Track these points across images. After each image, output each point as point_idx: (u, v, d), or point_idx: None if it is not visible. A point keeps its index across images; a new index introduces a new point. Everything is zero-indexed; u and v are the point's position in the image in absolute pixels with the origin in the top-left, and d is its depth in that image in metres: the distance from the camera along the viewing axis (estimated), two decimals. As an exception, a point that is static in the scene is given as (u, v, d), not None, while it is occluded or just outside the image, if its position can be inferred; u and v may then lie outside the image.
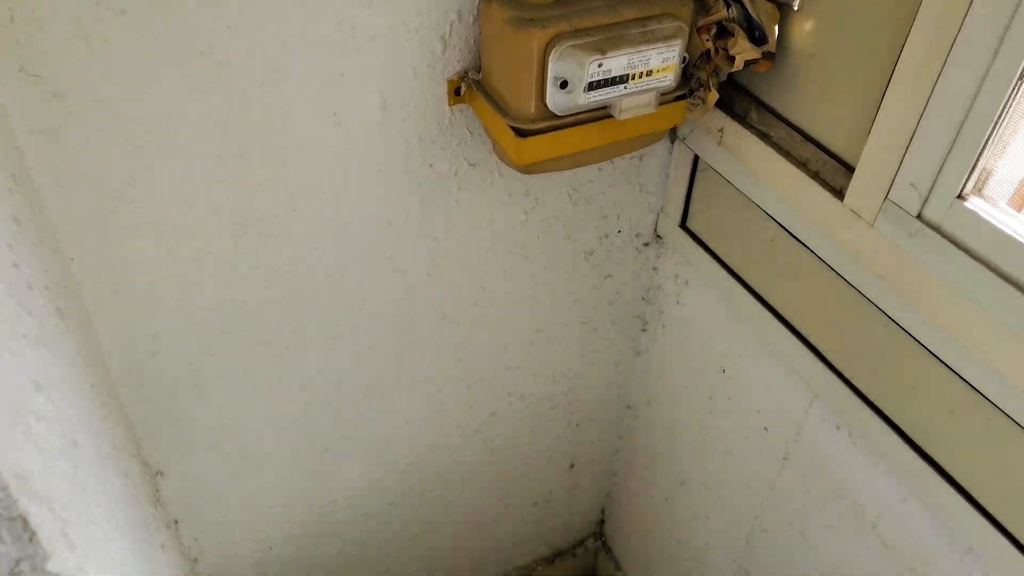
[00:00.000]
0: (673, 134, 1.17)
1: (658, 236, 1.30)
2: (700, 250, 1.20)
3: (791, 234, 1.00)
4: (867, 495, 1.04)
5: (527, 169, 0.93)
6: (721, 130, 1.05)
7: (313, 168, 0.94)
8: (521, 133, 0.87)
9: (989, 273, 0.75)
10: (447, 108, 0.98)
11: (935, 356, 0.85)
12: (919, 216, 0.81)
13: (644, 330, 1.45)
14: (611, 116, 0.89)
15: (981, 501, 0.87)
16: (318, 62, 0.86)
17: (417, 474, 1.45)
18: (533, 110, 0.86)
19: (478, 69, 0.94)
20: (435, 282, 1.15)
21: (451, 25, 0.91)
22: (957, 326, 0.80)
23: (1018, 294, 0.73)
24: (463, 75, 0.95)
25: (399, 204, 1.04)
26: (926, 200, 0.80)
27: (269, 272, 1.01)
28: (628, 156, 1.16)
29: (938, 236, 0.79)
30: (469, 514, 1.62)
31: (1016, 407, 0.78)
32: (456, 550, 1.69)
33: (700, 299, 1.27)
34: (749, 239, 1.10)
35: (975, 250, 0.77)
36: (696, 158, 1.15)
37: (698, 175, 1.17)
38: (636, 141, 0.97)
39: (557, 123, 0.88)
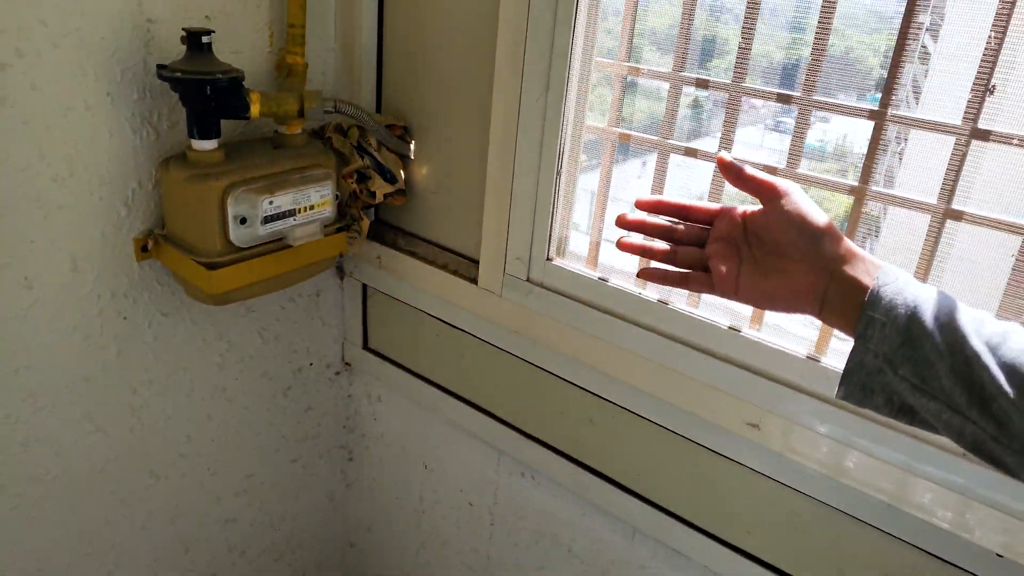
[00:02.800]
0: (342, 272, 1.40)
1: (346, 364, 1.48)
2: (385, 363, 1.41)
3: (449, 324, 1.26)
4: (557, 523, 1.27)
5: (221, 300, 1.08)
6: (379, 257, 1.30)
7: (2, 330, 0.98)
8: (212, 266, 1.02)
9: (579, 305, 1.08)
10: (135, 264, 1.09)
11: (567, 380, 1.14)
12: (528, 279, 1.12)
13: (350, 459, 1.58)
14: (288, 246, 1.09)
15: (630, 486, 1.15)
16: (7, 231, 0.94)
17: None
18: (219, 246, 1.03)
19: (163, 225, 1.09)
20: (138, 437, 1.18)
21: (132, 191, 1.05)
22: (575, 351, 1.10)
23: (604, 316, 1.06)
24: (148, 233, 1.09)
25: (95, 359, 1.09)
26: (529, 267, 1.12)
27: (-46, 448, 0.98)
28: (307, 293, 1.35)
29: (543, 290, 1.11)
30: None
31: (628, 399, 1.09)
32: None
33: (393, 408, 1.46)
34: (420, 340, 1.34)
35: (568, 292, 1.09)
36: (364, 287, 1.38)
37: (369, 300, 1.40)
38: (312, 267, 1.17)
39: (242, 255, 1.05)
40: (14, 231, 0.95)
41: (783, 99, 0.89)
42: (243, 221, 1.02)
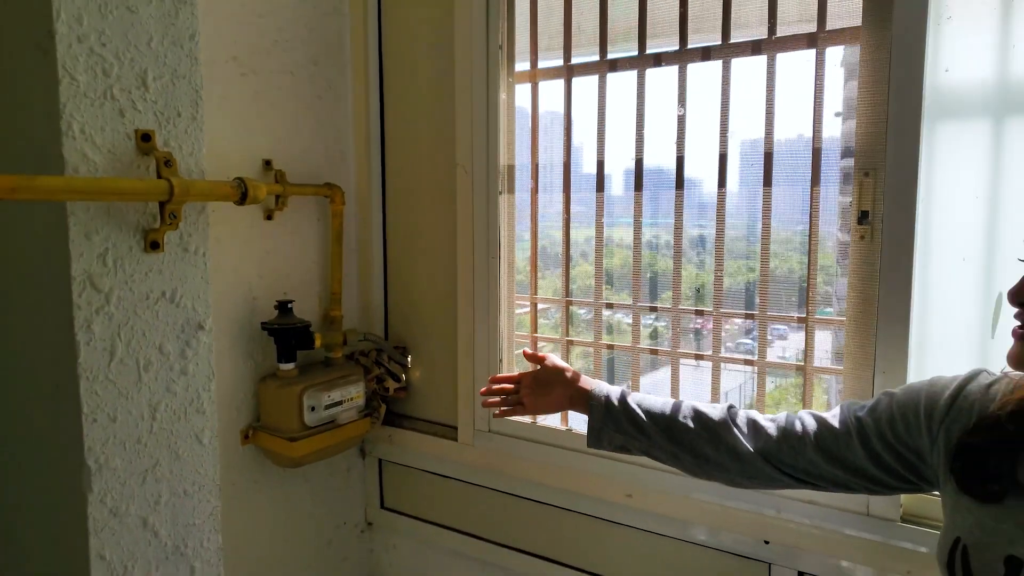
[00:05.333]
0: (364, 452, 2.02)
1: (368, 523, 2.05)
2: (397, 516, 1.98)
3: (440, 475, 1.88)
4: (528, 609, 1.79)
5: (296, 463, 1.70)
6: (390, 436, 1.95)
7: (167, 489, 1.58)
8: (293, 439, 1.67)
9: (521, 441, 1.72)
10: (240, 447, 1.72)
11: (518, 496, 1.74)
12: (489, 431, 1.77)
13: (373, 604, 2.08)
14: (337, 425, 1.75)
15: (563, 560, 1.70)
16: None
17: None
18: (297, 426, 1.68)
19: (257, 419, 1.74)
20: (231, 571, 1.73)
21: (241, 400, 1.72)
22: (520, 472, 1.72)
23: (535, 444, 1.70)
24: (248, 426, 1.73)
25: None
26: (489, 423, 1.77)
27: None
28: (342, 468, 1.97)
29: (500, 435, 1.75)
30: None
31: (554, 498, 1.69)
32: None
33: (405, 552, 2.00)
34: (421, 492, 1.94)
35: (514, 434, 1.74)
36: (380, 461, 2.00)
37: (384, 470, 2.01)
38: (349, 441, 1.81)
39: (311, 431, 1.70)
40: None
41: (748, 316, 1.63)
42: (312, 409, 1.69)
